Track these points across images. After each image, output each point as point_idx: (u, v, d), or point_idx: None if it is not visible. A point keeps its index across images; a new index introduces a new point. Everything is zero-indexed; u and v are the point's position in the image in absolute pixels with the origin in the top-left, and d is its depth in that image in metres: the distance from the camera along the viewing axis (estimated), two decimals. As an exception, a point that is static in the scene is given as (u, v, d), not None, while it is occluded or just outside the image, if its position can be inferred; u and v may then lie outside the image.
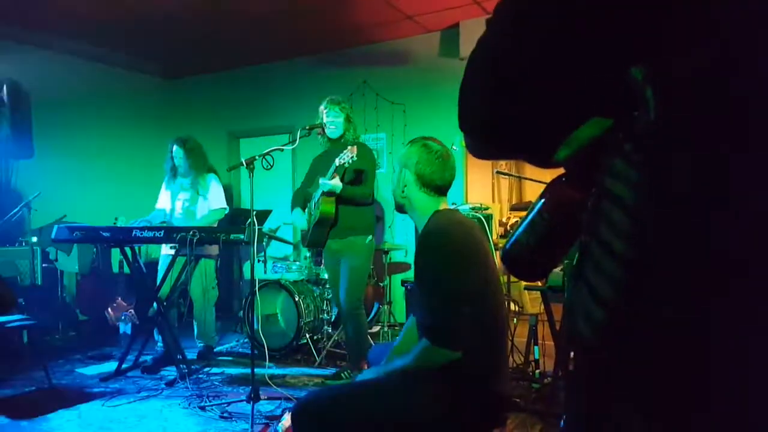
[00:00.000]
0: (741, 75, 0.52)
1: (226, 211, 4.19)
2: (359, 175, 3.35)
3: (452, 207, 1.86)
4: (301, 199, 3.61)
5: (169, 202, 4.15)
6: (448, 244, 1.64)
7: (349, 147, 3.12)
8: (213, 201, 4.10)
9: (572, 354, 0.63)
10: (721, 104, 0.52)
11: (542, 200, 0.85)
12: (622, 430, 0.56)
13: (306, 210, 3.55)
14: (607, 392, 0.58)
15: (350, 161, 3.11)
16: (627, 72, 0.56)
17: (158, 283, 3.86)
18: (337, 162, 3.15)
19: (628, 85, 0.56)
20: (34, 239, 4.67)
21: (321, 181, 3.23)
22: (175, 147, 4.05)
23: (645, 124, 0.55)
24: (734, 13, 0.53)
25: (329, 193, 3.26)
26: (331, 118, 3.45)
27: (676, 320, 0.52)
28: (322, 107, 3.49)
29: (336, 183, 3.20)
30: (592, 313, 0.57)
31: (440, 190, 1.76)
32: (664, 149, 0.54)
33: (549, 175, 0.81)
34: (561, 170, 0.80)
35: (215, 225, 4.10)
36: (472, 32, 4.89)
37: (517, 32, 0.60)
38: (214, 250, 4.09)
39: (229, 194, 4.45)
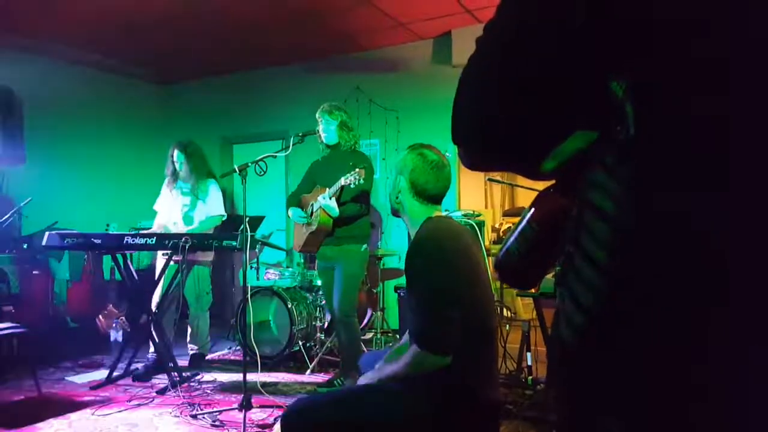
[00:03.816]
0: (717, 92, 0.53)
1: (224, 218, 4.16)
2: (359, 195, 3.39)
3: (445, 214, 1.87)
4: (295, 204, 3.63)
5: (168, 207, 4.13)
6: (436, 252, 1.64)
7: (357, 169, 3.14)
8: (211, 207, 4.07)
9: (553, 359, 0.64)
10: (698, 120, 0.54)
11: (531, 210, 0.87)
12: None
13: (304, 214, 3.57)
14: (588, 400, 0.58)
15: (356, 183, 3.15)
16: (608, 87, 0.57)
17: (154, 288, 3.84)
18: (342, 181, 3.18)
19: (610, 99, 0.58)
20: (25, 246, 4.64)
21: (321, 198, 3.27)
22: (176, 151, 4.03)
23: (625, 138, 0.56)
24: (711, 29, 0.54)
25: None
26: (325, 126, 3.47)
27: (653, 328, 0.53)
28: (317, 116, 3.52)
29: (334, 208, 3.26)
30: (574, 319, 0.59)
31: (433, 199, 1.77)
32: (643, 162, 0.56)
33: (541, 182, 0.83)
34: (551, 181, 0.82)
35: (211, 231, 4.07)
36: (464, 40, 4.93)
37: (503, 45, 0.63)
38: (208, 256, 4.07)
39: (229, 200, 4.40)
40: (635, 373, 0.54)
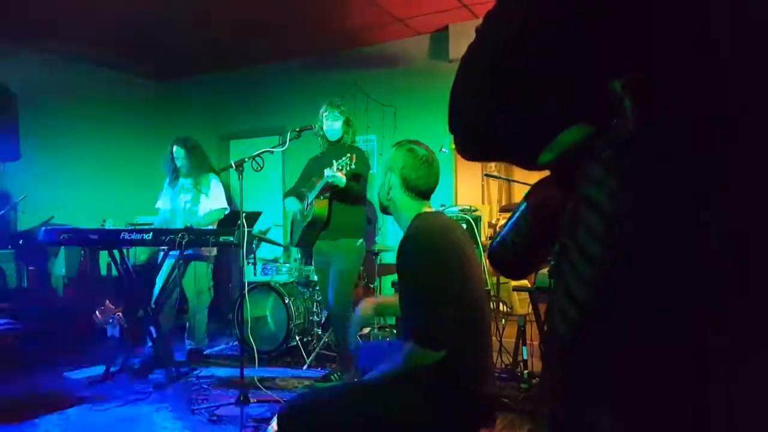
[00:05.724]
0: (717, 91, 0.54)
1: (227, 211, 4.17)
2: (355, 178, 3.38)
3: (441, 209, 1.89)
4: (293, 197, 3.63)
5: (171, 203, 4.13)
6: (427, 247, 1.66)
7: (348, 155, 3.13)
8: (214, 200, 4.08)
9: (545, 353, 0.64)
10: (697, 116, 0.54)
11: (526, 202, 0.88)
12: None
13: (299, 210, 3.57)
14: (578, 394, 0.59)
15: (348, 169, 3.14)
16: (608, 83, 0.57)
17: (151, 284, 3.84)
18: (335, 167, 3.16)
19: (609, 94, 0.58)
20: (21, 242, 4.63)
21: (327, 171, 3.17)
22: (176, 147, 4.03)
23: (623, 133, 0.57)
24: (713, 27, 0.54)
25: (327, 188, 3.25)
26: (331, 122, 3.46)
27: (646, 323, 0.54)
28: (322, 111, 3.50)
29: (342, 178, 3.17)
30: (567, 312, 0.59)
31: (424, 194, 1.80)
32: (641, 158, 0.56)
33: (537, 177, 0.83)
34: (546, 173, 0.83)
35: (215, 225, 4.07)
36: (461, 35, 4.93)
37: (505, 38, 0.63)
38: (208, 252, 4.07)
39: (226, 195, 4.39)
40: (625, 369, 0.54)
